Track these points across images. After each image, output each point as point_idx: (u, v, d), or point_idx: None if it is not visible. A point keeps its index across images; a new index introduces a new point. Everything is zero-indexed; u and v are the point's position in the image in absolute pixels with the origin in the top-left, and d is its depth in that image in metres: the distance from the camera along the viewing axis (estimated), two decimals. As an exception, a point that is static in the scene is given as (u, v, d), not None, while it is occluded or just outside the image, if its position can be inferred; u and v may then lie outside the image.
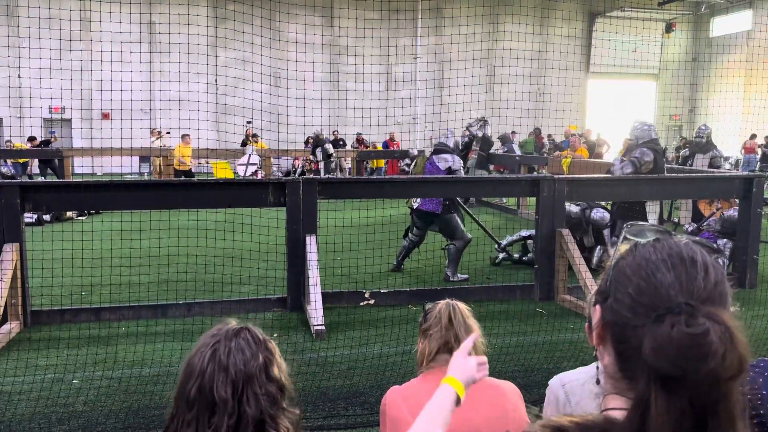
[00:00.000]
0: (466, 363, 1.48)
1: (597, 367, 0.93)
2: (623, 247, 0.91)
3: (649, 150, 6.95)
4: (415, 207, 6.97)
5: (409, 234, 7.19)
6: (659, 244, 0.87)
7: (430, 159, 7.14)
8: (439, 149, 7.19)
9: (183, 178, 11.34)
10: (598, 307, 0.89)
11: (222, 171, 12.44)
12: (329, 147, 13.19)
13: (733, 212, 7.21)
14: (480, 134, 8.65)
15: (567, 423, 0.83)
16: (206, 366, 1.24)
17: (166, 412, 1.33)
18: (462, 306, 2.07)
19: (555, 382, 1.58)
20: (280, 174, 17.78)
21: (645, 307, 0.81)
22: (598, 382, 0.95)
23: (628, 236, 0.93)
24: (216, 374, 1.23)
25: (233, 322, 1.35)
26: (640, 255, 0.86)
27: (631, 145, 7.41)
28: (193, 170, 15.33)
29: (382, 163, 19.18)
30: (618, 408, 0.84)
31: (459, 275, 7.01)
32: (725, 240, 7.12)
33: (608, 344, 0.87)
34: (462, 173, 7.20)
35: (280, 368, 1.31)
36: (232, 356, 1.25)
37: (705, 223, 7.63)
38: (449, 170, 7.00)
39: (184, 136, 15.93)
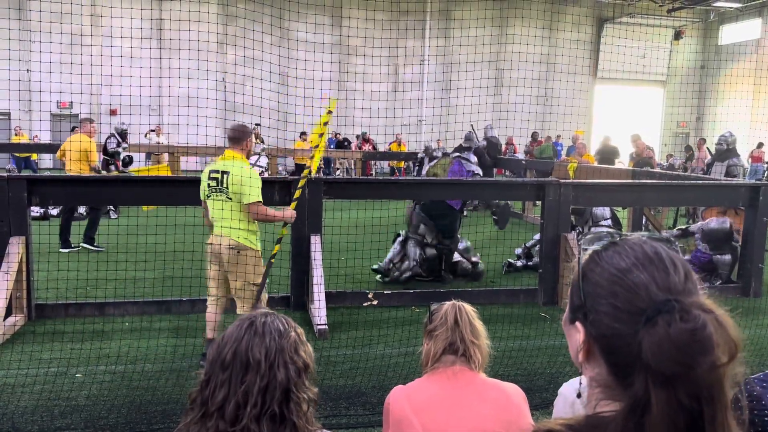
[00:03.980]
0: None
1: (580, 382, 0.92)
2: (586, 255, 0.90)
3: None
4: None
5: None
6: (620, 248, 0.87)
7: (458, 159, 7.18)
8: (465, 156, 7.34)
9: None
10: (578, 324, 0.88)
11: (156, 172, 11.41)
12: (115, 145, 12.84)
13: (714, 224, 7.19)
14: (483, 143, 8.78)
15: (557, 426, 0.82)
16: (243, 334, 1.35)
17: (195, 383, 1.40)
18: (468, 307, 2.06)
19: (568, 390, 1.42)
20: (286, 173, 17.81)
21: (630, 313, 0.80)
22: (579, 395, 0.92)
23: (585, 246, 0.92)
24: (252, 339, 1.34)
25: (266, 309, 1.47)
26: (608, 263, 0.86)
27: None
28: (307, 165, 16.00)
29: (402, 163, 19.31)
30: (609, 411, 0.83)
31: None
32: (719, 256, 7.09)
33: (597, 357, 0.86)
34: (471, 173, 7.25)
35: (307, 351, 1.42)
36: (267, 327, 1.37)
37: (691, 237, 7.62)
38: (472, 175, 7.10)
39: (302, 134, 16.53)
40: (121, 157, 11.63)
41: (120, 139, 11.38)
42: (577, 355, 0.90)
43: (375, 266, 7.26)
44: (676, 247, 0.90)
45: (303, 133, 19.36)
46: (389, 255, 7.08)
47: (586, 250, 0.91)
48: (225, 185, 4.34)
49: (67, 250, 7.82)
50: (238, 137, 4.47)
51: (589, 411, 0.88)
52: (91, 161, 8.16)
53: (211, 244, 4.40)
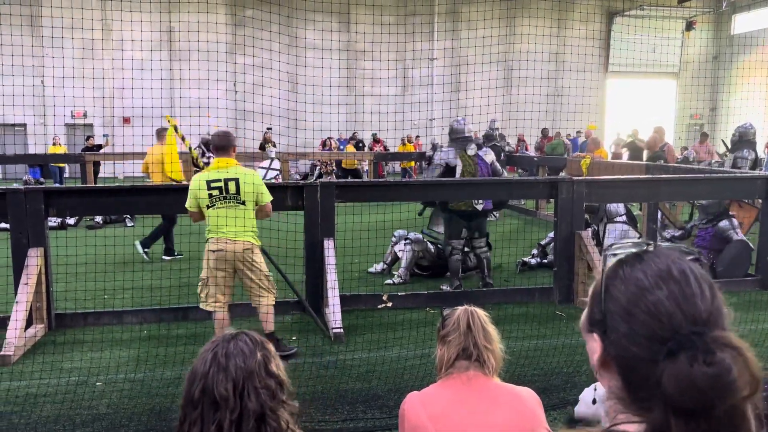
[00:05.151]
0: None
1: (595, 389, 0.92)
2: (610, 265, 0.87)
3: (453, 150, 6.75)
4: (480, 209, 6.58)
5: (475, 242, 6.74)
6: (646, 264, 0.84)
7: (479, 156, 6.79)
8: (478, 144, 7.01)
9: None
10: (596, 336, 0.86)
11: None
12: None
13: (706, 200, 7.28)
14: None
15: None
16: (208, 369, 1.35)
17: (175, 419, 1.42)
18: (480, 312, 2.07)
19: (589, 395, 1.42)
20: (298, 176, 17.89)
21: (651, 340, 0.79)
22: (594, 402, 0.93)
23: (610, 254, 0.89)
24: (217, 374, 1.33)
25: (231, 330, 1.46)
26: (631, 280, 0.83)
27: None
28: (359, 169, 17.34)
29: (412, 163, 19.31)
30: (629, 422, 0.82)
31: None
32: (719, 223, 7.07)
33: (614, 372, 0.84)
34: (497, 164, 6.99)
35: (278, 366, 1.41)
36: (231, 357, 1.35)
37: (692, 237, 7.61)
38: (492, 166, 6.82)
39: (351, 138, 16.79)
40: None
41: (205, 149, 11.42)
42: (594, 361, 0.88)
43: (375, 273, 7.24)
44: (704, 262, 0.87)
45: (352, 138, 19.46)
46: (404, 262, 7.04)
47: (610, 258, 0.88)
48: (235, 192, 4.52)
49: (169, 258, 8.03)
50: (227, 145, 4.64)
51: (608, 423, 0.87)
52: (169, 172, 8.15)
53: (223, 250, 4.47)
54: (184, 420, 1.35)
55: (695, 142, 16.43)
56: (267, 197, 4.68)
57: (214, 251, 4.50)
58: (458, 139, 6.82)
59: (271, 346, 1.43)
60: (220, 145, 4.62)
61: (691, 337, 0.76)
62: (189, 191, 4.61)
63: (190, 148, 7.28)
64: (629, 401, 0.82)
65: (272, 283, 4.72)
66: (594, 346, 0.87)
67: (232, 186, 4.51)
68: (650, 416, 0.77)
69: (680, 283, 0.80)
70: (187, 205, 4.65)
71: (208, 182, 4.53)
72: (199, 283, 4.62)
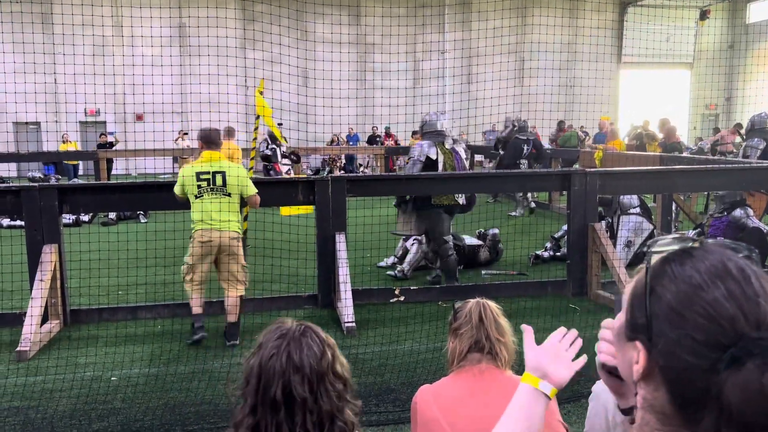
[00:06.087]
0: (533, 351, 1.24)
1: (634, 407, 0.81)
2: (655, 263, 0.79)
3: (430, 143, 6.47)
4: (462, 202, 6.48)
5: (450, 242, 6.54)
6: (697, 261, 0.75)
7: (455, 150, 6.64)
8: (455, 139, 6.84)
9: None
10: (639, 344, 0.77)
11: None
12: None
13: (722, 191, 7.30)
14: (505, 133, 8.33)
15: None
16: (285, 367, 1.31)
17: (236, 412, 1.35)
18: (492, 305, 2.05)
19: (601, 388, 1.32)
20: (309, 171, 17.91)
21: (709, 346, 0.71)
22: (632, 422, 0.82)
23: (654, 250, 0.81)
24: (293, 375, 1.30)
25: (289, 321, 1.40)
26: (683, 280, 0.74)
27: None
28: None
29: None
30: None
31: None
32: (734, 212, 7.04)
33: (657, 381, 0.76)
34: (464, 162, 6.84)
35: (343, 364, 1.38)
36: (305, 357, 1.32)
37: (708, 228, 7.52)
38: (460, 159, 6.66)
39: (414, 133, 17.27)
40: (279, 158, 11.51)
41: (270, 141, 11.31)
42: (630, 370, 0.80)
43: (386, 267, 7.22)
44: (756, 259, 0.78)
45: (415, 132, 19.45)
46: (410, 257, 6.98)
47: (654, 255, 0.79)
48: (222, 184, 4.78)
49: None
50: (216, 140, 4.96)
51: None
52: None
53: (210, 240, 4.76)
54: (256, 426, 1.29)
55: (725, 129, 16.20)
56: (251, 190, 4.95)
57: (203, 242, 4.76)
58: (431, 132, 6.63)
59: (333, 342, 1.40)
60: (210, 139, 4.91)
61: (760, 342, 0.68)
62: (179, 178, 4.89)
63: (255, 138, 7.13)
64: (673, 415, 0.74)
65: (247, 275, 5.01)
66: (635, 355, 0.78)
67: (219, 179, 4.77)
68: (698, 429, 0.70)
69: (740, 282, 0.72)
70: (175, 189, 4.91)
71: (198, 174, 4.77)
72: (184, 266, 4.95)
